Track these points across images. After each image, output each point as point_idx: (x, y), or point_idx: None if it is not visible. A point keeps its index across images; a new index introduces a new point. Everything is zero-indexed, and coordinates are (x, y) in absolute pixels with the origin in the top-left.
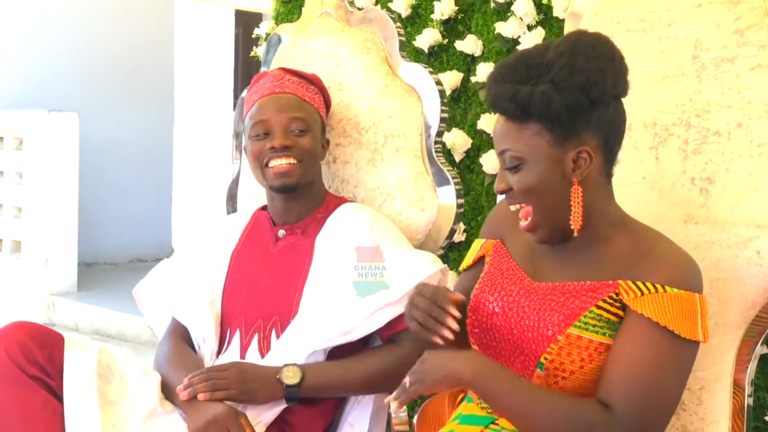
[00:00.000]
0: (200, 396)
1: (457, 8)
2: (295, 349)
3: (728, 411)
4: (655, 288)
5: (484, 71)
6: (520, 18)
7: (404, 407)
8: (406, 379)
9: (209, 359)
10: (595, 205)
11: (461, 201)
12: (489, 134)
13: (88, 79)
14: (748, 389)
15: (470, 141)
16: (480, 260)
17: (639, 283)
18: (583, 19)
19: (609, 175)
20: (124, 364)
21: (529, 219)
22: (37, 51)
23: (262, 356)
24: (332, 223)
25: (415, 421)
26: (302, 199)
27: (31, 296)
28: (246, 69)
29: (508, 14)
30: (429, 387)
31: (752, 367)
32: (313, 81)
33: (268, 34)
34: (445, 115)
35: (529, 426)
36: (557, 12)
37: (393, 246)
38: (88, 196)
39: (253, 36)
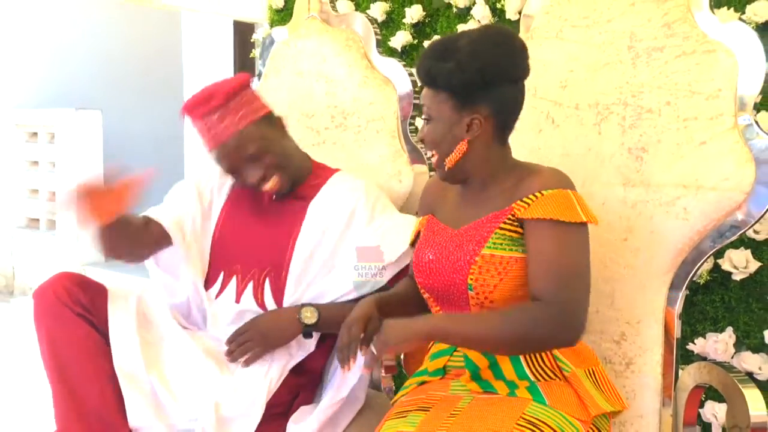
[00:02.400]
0: (242, 365)
1: (424, 13)
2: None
3: (660, 341)
4: (535, 196)
5: None
6: (478, 20)
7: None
8: (373, 348)
9: (207, 301)
10: (486, 160)
11: (433, 173)
12: None
13: (109, 81)
14: (676, 322)
15: None
16: (419, 234)
17: (524, 199)
18: (535, 18)
19: (502, 138)
20: (157, 310)
21: (435, 162)
22: (66, 58)
23: (257, 302)
24: (327, 190)
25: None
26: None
27: (65, 265)
28: (243, 69)
29: (468, 17)
30: (396, 348)
31: (680, 305)
32: (221, 99)
33: (263, 38)
34: (417, 101)
35: (489, 345)
36: (509, 15)
37: (383, 212)
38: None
39: (252, 40)
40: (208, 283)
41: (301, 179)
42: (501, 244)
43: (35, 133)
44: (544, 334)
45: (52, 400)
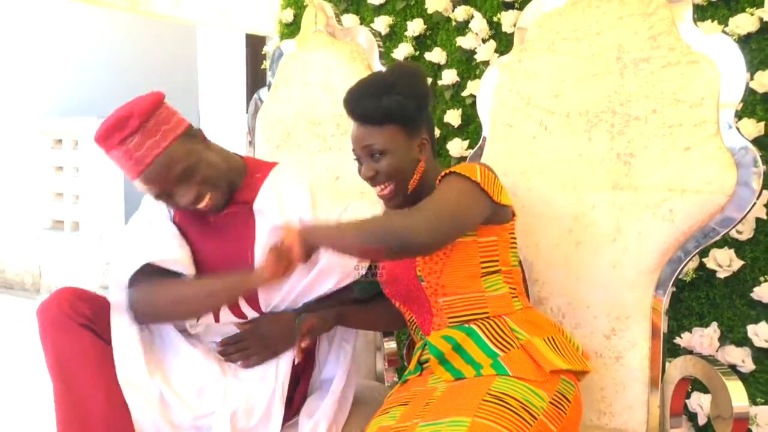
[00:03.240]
0: (240, 366)
1: (425, 26)
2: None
3: (648, 335)
4: (446, 172)
5: (448, 77)
6: (476, 33)
7: None
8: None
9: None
10: (431, 173)
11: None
12: (453, 126)
13: (129, 91)
14: (663, 318)
15: (438, 131)
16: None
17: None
18: (528, 31)
19: (434, 152)
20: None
21: (391, 192)
22: (89, 69)
23: (236, 314)
24: (268, 185)
25: (404, 351)
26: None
27: (88, 265)
28: (255, 80)
29: (467, 30)
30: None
31: (666, 301)
32: (138, 120)
33: (273, 51)
34: None
35: (374, 242)
36: (505, 28)
37: (339, 197)
38: (131, 185)
39: (263, 53)
40: None
41: (237, 183)
42: None
43: (60, 140)
44: (403, 230)
45: (54, 409)
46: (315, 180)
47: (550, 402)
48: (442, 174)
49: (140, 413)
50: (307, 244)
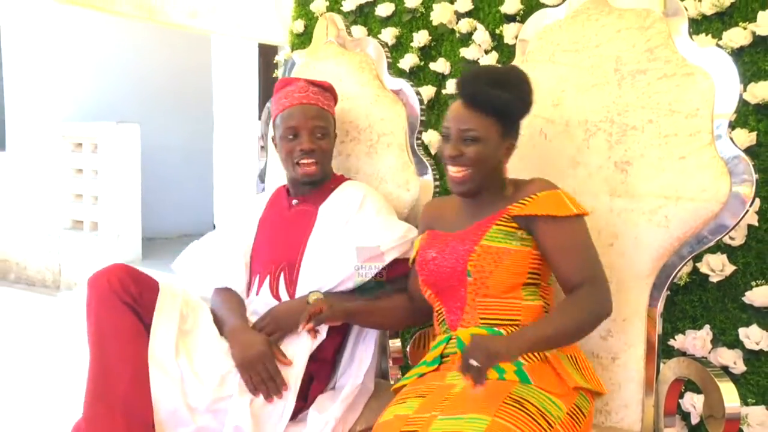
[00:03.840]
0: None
1: (430, 38)
2: (305, 288)
3: (643, 337)
4: (531, 198)
5: (451, 86)
6: (479, 44)
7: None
8: (473, 362)
9: (247, 301)
10: (503, 176)
11: (437, 183)
12: None
13: (146, 98)
14: (658, 320)
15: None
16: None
17: (520, 201)
18: (530, 43)
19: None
20: (198, 306)
21: (466, 177)
22: (108, 76)
23: (272, 293)
24: (335, 196)
25: (408, 349)
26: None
27: (106, 263)
28: (266, 87)
29: (470, 42)
30: (490, 366)
31: (661, 304)
32: (329, 90)
33: (285, 60)
34: (423, 118)
35: (566, 339)
36: (507, 39)
37: (379, 213)
38: (148, 187)
39: (274, 62)
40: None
41: (321, 184)
42: (497, 237)
43: (80, 144)
44: (601, 311)
45: (86, 375)
46: (374, 194)
47: (568, 413)
48: (532, 213)
49: (161, 393)
50: (495, 362)
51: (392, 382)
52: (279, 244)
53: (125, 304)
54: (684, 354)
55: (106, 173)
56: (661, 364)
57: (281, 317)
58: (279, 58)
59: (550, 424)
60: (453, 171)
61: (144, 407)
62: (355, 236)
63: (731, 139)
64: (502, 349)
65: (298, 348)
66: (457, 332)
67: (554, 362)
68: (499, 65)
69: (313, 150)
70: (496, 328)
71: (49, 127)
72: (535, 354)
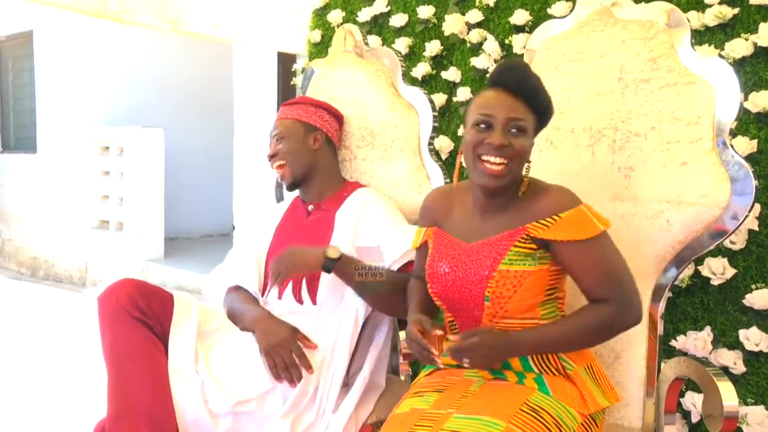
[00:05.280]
0: (279, 281)
1: (442, 47)
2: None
3: (645, 337)
4: (553, 219)
5: (462, 94)
6: (489, 54)
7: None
8: (466, 362)
9: (262, 302)
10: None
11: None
12: None
13: (171, 104)
14: (659, 321)
15: (452, 144)
16: (425, 244)
17: (541, 221)
18: (537, 53)
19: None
20: (215, 314)
21: (504, 171)
22: (134, 83)
23: (295, 297)
24: (349, 202)
25: None
26: (312, 182)
27: (130, 262)
28: (285, 94)
29: (480, 51)
30: (480, 368)
31: (662, 306)
32: (296, 102)
33: (303, 68)
34: (435, 125)
35: (570, 347)
36: (516, 49)
37: (392, 221)
38: (171, 189)
39: (293, 70)
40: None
41: (327, 191)
42: (516, 260)
43: (107, 147)
44: (615, 326)
45: (106, 393)
46: (384, 201)
47: (582, 424)
48: (557, 239)
49: (184, 402)
50: (496, 361)
51: (402, 378)
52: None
53: (136, 319)
54: (685, 354)
55: (131, 175)
56: (662, 364)
57: (295, 256)
58: (297, 66)
59: None
60: (494, 162)
61: (168, 418)
62: (367, 240)
63: (732, 146)
64: (497, 355)
65: (340, 341)
66: None
67: (577, 381)
68: None
69: (274, 154)
70: None
71: (78, 131)
72: (555, 370)
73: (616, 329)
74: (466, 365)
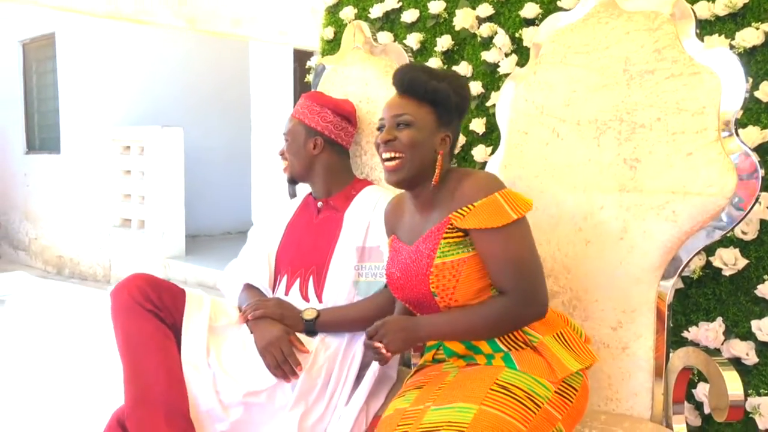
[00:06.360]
0: (249, 316)
1: (453, 42)
2: (332, 290)
3: (653, 328)
4: (468, 208)
5: (473, 88)
6: (499, 48)
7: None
8: (381, 345)
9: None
10: (444, 171)
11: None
12: (479, 133)
13: (189, 103)
14: (667, 312)
15: (464, 138)
16: None
17: (459, 210)
18: (543, 46)
19: (452, 155)
20: (226, 308)
21: (398, 165)
22: (154, 83)
23: (302, 294)
24: (357, 201)
25: None
26: (313, 181)
27: (152, 259)
28: (301, 91)
29: (491, 45)
30: (398, 351)
31: (670, 296)
32: (304, 97)
33: (316, 66)
34: None
35: (473, 336)
36: (526, 43)
37: None
38: (191, 187)
39: (306, 67)
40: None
41: (333, 189)
42: (448, 251)
43: (128, 147)
44: (515, 319)
45: (123, 384)
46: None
47: (556, 391)
48: (470, 227)
49: (197, 392)
50: (408, 342)
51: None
52: (307, 248)
53: (148, 311)
54: (698, 346)
55: (152, 174)
56: (671, 353)
57: (283, 311)
58: (311, 63)
59: (537, 405)
60: (387, 158)
61: (183, 405)
62: (372, 240)
63: (738, 135)
64: (405, 338)
65: (351, 336)
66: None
67: (543, 351)
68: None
69: (281, 153)
70: None
71: (99, 131)
72: (522, 343)
73: (517, 322)
74: (382, 350)
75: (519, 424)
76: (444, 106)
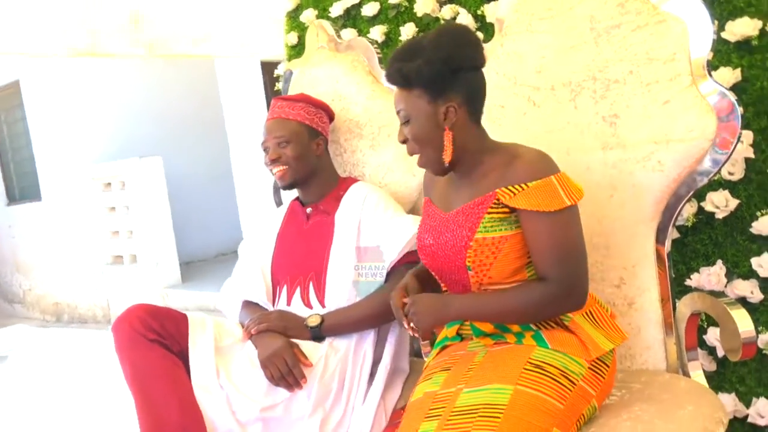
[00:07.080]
0: (252, 331)
1: (417, 29)
2: (333, 294)
3: (656, 281)
4: (521, 187)
5: None
6: None
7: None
8: (409, 327)
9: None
10: (466, 143)
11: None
12: None
13: (165, 131)
14: (668, 261)
15: None
16: None
17: (510, 187)
18: (506, 19)
19: (477, 121)
20: (230, 327)
21: (423, 161)
22: (126, 115)
23: (304, 302)
24: (346, 201)
25: None
26: (311, 185)
27: (149, 292)
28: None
29: None
30: (429, 330)
31: (668, 245)
32: (299, 100)
33: (284, 72)
34: None
35: (506, 320)
36: (490, 19)
37: (392, 211)
38: (178, 214)
39: (275, 76)
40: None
41: (325, 190)
42: (491, 226)
43: (109, 183)
44: (553, 308)
45: (136, 416)
46: (378, 193)
47: (589, 368)
48: (521, 207)
49: (212, 414)
50: (437, 322)
51: (425, 359)
52: (302, 255)
53: (152, 341)
54: (702, 291)
55: (136, 207)
56: (677, 302)
57: (286, 323)
58: (278, 71)
59: (572, 381)
60: (413, 157)
61: (198, 430)
62: (366, 238)
63: (711, 76)
64: (435, 317)
65: (360, 337)
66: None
67: (576, 329)
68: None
69: (277, 158)
70: None
71: (77, 171)
72: (554, 323)
73: (555, 310)
74: (413, 333)
75: (556, 402)
76: (428, 82)
